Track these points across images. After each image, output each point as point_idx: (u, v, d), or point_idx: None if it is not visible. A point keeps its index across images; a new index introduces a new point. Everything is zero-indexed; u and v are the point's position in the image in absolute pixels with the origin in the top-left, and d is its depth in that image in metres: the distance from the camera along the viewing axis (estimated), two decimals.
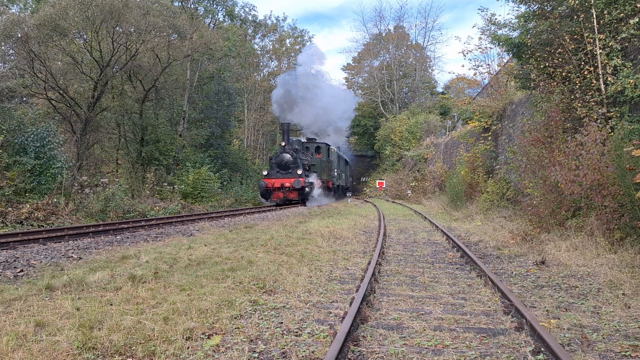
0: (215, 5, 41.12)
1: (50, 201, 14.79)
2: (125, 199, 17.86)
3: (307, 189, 24.92)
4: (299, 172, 24.78)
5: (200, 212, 20.47)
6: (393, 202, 32.26)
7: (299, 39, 57.76)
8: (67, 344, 3.76)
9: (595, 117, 9.86)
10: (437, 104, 52.18)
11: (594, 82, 10.19)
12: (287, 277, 6.44)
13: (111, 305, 4.86)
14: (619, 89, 9.44)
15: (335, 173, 34.37)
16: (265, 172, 25.52)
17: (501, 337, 4.27)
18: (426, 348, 4.02)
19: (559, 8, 11.11)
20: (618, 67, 9.83)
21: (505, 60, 21.99)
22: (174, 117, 30.27)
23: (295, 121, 38.85)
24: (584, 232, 8.60)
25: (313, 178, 26.93)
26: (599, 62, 10.05)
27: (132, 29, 23.52)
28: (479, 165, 19.23)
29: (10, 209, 13.74)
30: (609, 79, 9.84)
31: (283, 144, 25.85)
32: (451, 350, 3.95)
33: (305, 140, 31.67)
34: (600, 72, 10.07)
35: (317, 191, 27.41)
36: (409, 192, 33.15)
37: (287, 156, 25.20)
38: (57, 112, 23.87)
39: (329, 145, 32.81)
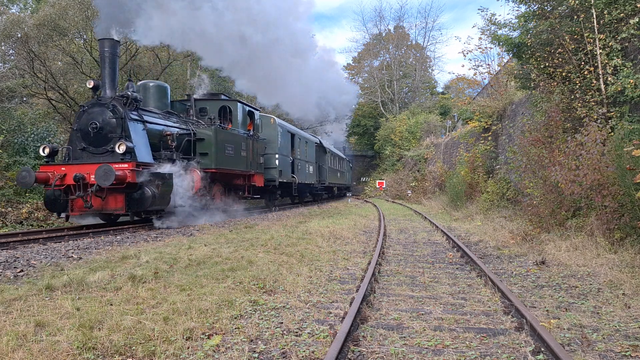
0: None
1: None
2: None
3: (147, 191, 11.29)
4: (122, 148, 11.19)
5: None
6: (393, 202, 32.25)
7: None
8: (67, 344, 3.76)
9: (595, 117, 9.86)
10: (437, 104, 52.21)
11: (594, 82, 10.19)
12: (287, 277, 6.44)
13: (111, 305, 4.86)
14: (619, 89, 9.44)
15: (277, 161, 19.94)
16: (44, 151, 12.03)
17: (501, 337, 4.27)
18: (426, 348, 4.02)
19: (559, 8, 11.12)
20: (618, 67, 9.84)
21: (505, 60, 22.00)
22: None
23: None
24: (584, 232, 8.60)
25: (177, 166, 12.88)
26: (599, 62, 10.05)
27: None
28: (479, 165, 19.23)
29: (10, 209, 13.74)
30: (609, 79, 9.84)
31: (91, 84, 12.25)
32: (451, 350, 3.95)
33: (199, 97, 17.43)
34: (600, 72, 10.07)
35: (189, 195, 13.28)
36: (409, 192, 33.13)
37: (105, 114, 11.75)
38: (57, 112, 23.88)
39: (255, 110, 18.69)
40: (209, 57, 22.05)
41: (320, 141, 30.62)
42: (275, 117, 21.22)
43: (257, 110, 19.01)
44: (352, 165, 50.72)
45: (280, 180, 20.34)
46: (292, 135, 23.43)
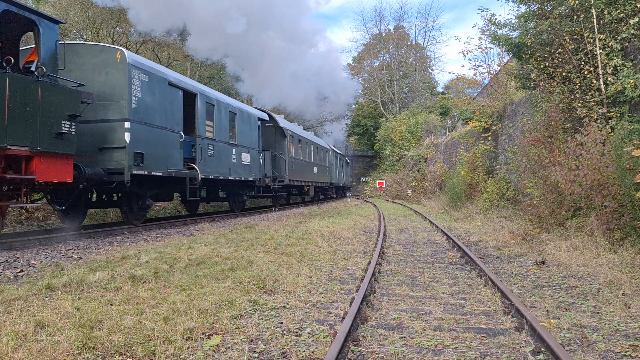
0: None
1: None
2: None
3: None
4: None
5: (200, 212, 20.47)
6: (393, 202, 32.27)
7: None
8: (67, 344, 3.76)
9: (595, 117, 9.86)
10: (437, 104, 52.25)
11: (594, 82, 10.20)
12: (287, 277, 6.44)
13: (111, 305, 4.86)
14: (619, 89, 9.45)
15: (128, 136, 10.88)
16: None
17: (501, 337, 4.27)
18: (426, 348, 4.02)
19: (559, 8, 11.12)
20: (618, 67, 9.84)
21: (505, 60, 22.01)
22: None
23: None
24: (584, 232, 8.60)
25: None
26: (599, 62, 10.05)
27: (132, 29, 23.54)
28: (479, 165, 19.24)
29: (10, 208, 13.73)
30: (609, 79, 9.84)
31: None
32: (451, 350, 3.95)
33: None
34: (600, 72, 10.07)
35: None
36: (409, 192, 33.15)
37: None
38: None
39: (45, 19, 9.01)
40: (202, 36, 20.86)
41: (271, 117, 20.97)
42: (126, 51, 11.46)
43: (50, 20, 9.26)
44: (348, 160, 44.91)
45: (140, 172, 11.32)
46: (191, 96, 13.73)
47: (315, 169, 27.56)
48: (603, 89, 10.02)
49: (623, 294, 5.66)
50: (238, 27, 21.79)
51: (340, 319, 4.65)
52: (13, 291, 5.32)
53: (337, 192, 38.45)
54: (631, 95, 9.16)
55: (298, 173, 23.56)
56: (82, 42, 10.74)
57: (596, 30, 10.10)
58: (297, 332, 4.36)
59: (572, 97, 10.61)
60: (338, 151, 37.68)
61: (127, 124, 10.98)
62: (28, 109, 8.35)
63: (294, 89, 31.48)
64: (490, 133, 19.62)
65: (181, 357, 3.75)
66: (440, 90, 60.83)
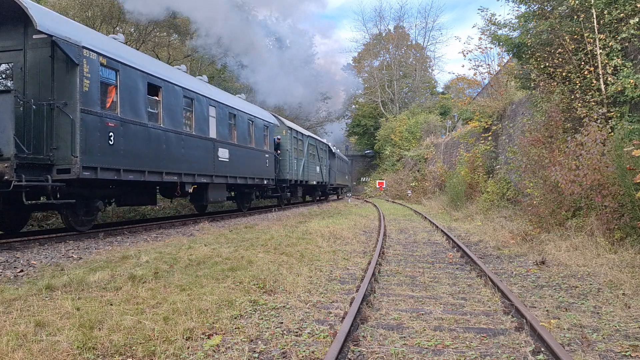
0: None
1: None
2: None
3: None
4: None
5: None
6: (393, 202, 32.27)
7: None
8: (67, 344, 3.76)
9: (595, 117, 9.86)
10: (437, 104, 52.27)
11: (594, 82, 10.20)
12: (287, 277, 6.43)
13: (111, 305, 4.85)
14: (619, 89, 9.45)
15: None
16: None
17: (501, 337, 4.27)
18: (426, 348, 4.02)
19: (559, 8, 11.12)
20: (618, 67, 9.84)
21: (505, 60, 22.01)
22: None
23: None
24: (584, 232, 8.60)
25: None
26: (599, 62, 10.05)
27: (133, 29, 23.54)
28: (479, 165, 19.25)
29: None
30: (609, 79, 9.85)
31: None
32: (451, 350, 3.95)
33: None
34: (600, 72, 10.07)
35: None
36: (409, 192, 33.15)
37: None
38: None
39: None
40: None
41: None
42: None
43: None
44: (334, 150, 36.05)
45: None
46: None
47: (223, 152, 15.61)
48: (603, 89, 10.02)
49: (623, 294, 5.66)
50: (238, 16, 22.03)
51: (340, 319, 4.65)
52: (13, 291, 5.32)
53: (313, 194, 28.58)
54: (631, 95, 9.16)
55: (139, 155, 11.19)
56: None
57: (596, 30, 10.10)
58: (297, 332, 4.36)
59: (572, 97, 10.61)
60: (306, 133, 25.91)
61: None
62: None
63: (296, 84, 31.05)
64: (490, 133, 19.61)
65: (181, 357, 3.75)
66: (440, 90, 60.92)
